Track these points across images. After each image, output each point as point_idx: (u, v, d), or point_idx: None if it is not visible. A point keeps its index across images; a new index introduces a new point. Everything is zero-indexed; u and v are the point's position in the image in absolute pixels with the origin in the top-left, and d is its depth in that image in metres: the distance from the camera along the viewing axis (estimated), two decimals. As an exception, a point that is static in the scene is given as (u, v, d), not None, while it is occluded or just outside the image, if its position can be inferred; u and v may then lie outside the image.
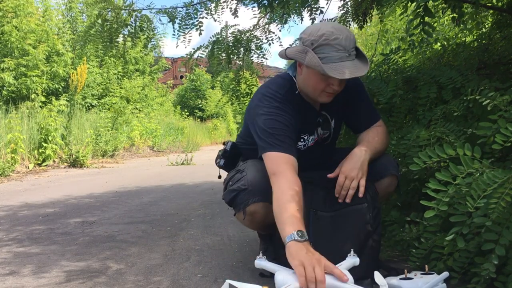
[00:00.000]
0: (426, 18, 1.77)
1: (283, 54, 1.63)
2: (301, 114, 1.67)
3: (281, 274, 1.32)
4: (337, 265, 1.37)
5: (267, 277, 1.59)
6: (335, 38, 1.47)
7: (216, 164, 1.97)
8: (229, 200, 1.71)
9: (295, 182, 1.45)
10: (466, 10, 2.78)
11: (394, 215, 2.03)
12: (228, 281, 1.25)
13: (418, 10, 1.75)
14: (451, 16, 2.96)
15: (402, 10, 2.50)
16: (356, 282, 1.44)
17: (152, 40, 15.58)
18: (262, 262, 1.45)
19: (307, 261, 1.25)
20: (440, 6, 2.86)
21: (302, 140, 1.71)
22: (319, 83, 1.55)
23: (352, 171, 1.56)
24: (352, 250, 1.44)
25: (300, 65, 1.60)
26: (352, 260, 1.42)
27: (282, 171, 1.48)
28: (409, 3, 1.88)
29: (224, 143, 1.98)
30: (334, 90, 1.56)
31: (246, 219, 1.67)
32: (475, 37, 3.27)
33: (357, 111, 1.75)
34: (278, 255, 1.56)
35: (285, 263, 1.41)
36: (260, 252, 1.53)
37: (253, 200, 1.61)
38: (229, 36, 3.84)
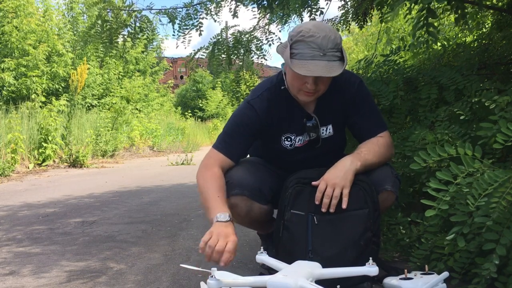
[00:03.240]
0: (430, 20, 1.76)
1: (277, 50, 1.68)
2: (284, 111, 1.67)
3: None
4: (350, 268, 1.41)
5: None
6: (310, 35, 1.47)
7: None
8: None
9: (218, 175, 1.61)
10: (467, 10, 2.78)
11: (398, 218, 2.02)
12: (214, 270, 1.27)
13: (422, 12, 1.74)
14: (453, 16, 2.96)
15: (406, 12, 2.49)
16: (355, 285, 1.45)
17: (154, 41, 15.59)
18: (262, 257, 1.45)
19: (215, 231, 1.39)
20: (441, 6, 2.85)
21: (288, 139, 1.70)
22: (294, 80, 1.56)
23: (333, 179, 1.51)
24: (371, 258, 1.41)
25: None
26: (367, 268, 1.40)
27: (210, 166, 1.64)
28: (413, 4, 1.87)
29: None
30: (309, 89, 1.54)
31: None
32: (475, 37, 3.27)
33: (358, 120, 1.71)
34: (278, 254, 1.57)
35: (284, 260, 1.42)
36: (261, 247, 1.54)
37: (232, 193, 1.62)
38: (229, 37, 3.84)
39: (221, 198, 1.54)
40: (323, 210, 1.51)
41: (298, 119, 1.68)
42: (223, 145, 1.67)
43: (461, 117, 1.86)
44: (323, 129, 1.71)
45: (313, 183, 1.56)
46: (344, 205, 1.50)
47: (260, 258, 1.49)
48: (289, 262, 1.45)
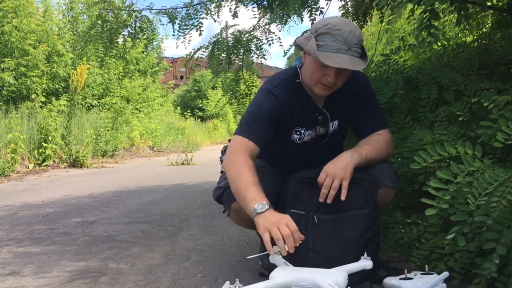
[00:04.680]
0: (432, 21, 1.76)
1: (295, 42, 1.68)
2: (298, 104, 1.67)
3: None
4: (346, 266, 1.41)
5: (267, 277, 1.59)
6: (337, 29, 1.48)
7: (219, 160, 1.99)
8: (217, 197, 1.75)
9: (248, 161, 1.55)
10: (468, 11, 2.78)
11: (398, 217, 2.02)
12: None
13: (425, 14, 1.74)
14: (455, 17, 2.96)
15: (410, 14, 2.49)
16: (355, 285, 1.45)
17: (154, 41, 15.58)
18: (276, 258, 1.45)
19: (269, 224, 1.36)
20: (444, 8, 2.85)
21: (298, 133, 1.71)
22: (315, 72, 1.56)
23: (333, 170, 1.53)
24: (365, 252, 1.44)
25: (305, 53, 1.62)
26: (363, 263, 1.43)
27: (238, 152, 1.59)
28: (416, 5, 1.86)
29: (229, 140, 1.99)
30: (329, 82, 1.54)
31: (231, 216, 1.71)
32: (475, 37, 3.27)
33: (360, 116, 1.72)
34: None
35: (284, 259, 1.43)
36: (275, 247, 1.51)
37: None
38: (229, 37, 3.85)
39: (257, 186, 1.49)
40: (321, 200, 1.52)
41: (309, 114, 1.69)
42: (248, 131, 1.62)
43: (460, 119, 1.86)
44: (330, 124, 1.72)
45: (318, 179, 1.56)
46: (343, 197, 1.51)
47: (273, 259, 1.48)
48: (289, 261, 1.45)
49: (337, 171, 1.52)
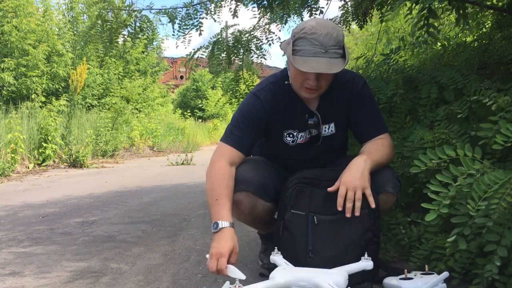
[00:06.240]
0: (431, 20, 1.76)
1: (280, 47, 1.70)
2: (287, 106, 1.67)
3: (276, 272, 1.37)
4: (346, 266, 1.41)
5: (267, 277, 1.59)
6: (313, 33, 1.48)
7: None
8: None
9: (224, 171, 1.60)
10: (467, 11, 2.78)
11: (399, 218, 2.02)
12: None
13: (423, 12, 1.73)
14: (454, 17, 2.96)
15: (407, 12, 2.49)
16: (355, 285, 1.45)
17: (154, 41, 15.58)
18: (276, 258, 1.46)
19: (213, 253, 1.45)
20: (442, 7, 2.84)
21: (290, 135, 1.71)
22: (297, 76, 1.57)
23: (353, 182, 1.50)
24: (366, 253, 1.45)
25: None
26: (364, 263, 1.44)
27: (217, 161, 1.63)
28: (414, 4, 1.86)
29: None
30: (311, 86, 1.55)
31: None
32: (475, 37, 3.26)
33: (361, 120, 1.71)
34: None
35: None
36: (276, 248, 1.54)
37: (237, 189, 1.62)
38: (229, 37, 3.85)
39: (219, 200, 1.53)
40: (348, 215, 1.50)
41: (301, 116, 1.69)
42: (231, 138, 1.65)
43: (458, 116, 1.85)
44: (325, 127, 1.71)
45: (329, 189, 1.54)
46: (372, 205, 1.50)
47: (273, 259, 1.49)
48: (289, 262, 1.46)
49: (356, 182, 1.50)
